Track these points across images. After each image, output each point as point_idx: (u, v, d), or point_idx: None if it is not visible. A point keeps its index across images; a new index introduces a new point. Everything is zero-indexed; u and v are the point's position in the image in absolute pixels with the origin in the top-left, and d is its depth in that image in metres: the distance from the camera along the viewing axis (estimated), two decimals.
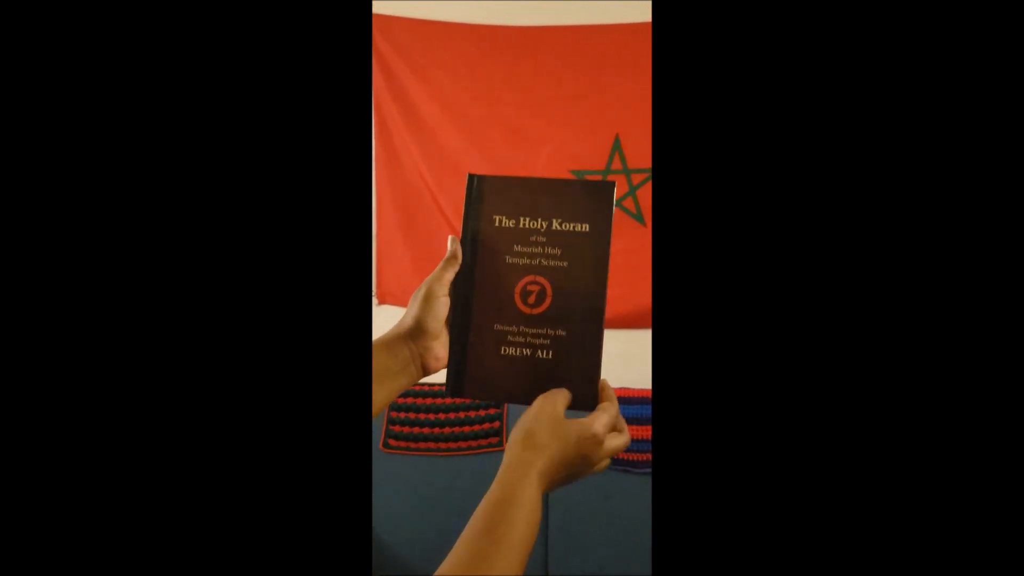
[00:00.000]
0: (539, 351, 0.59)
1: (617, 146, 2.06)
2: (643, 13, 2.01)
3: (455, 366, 0.61)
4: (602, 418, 0.55)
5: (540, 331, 0.59)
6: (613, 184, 0.60)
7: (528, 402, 0.58)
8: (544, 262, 0.60)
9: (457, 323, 0.61)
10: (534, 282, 0.60)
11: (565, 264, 0.59)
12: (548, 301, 0.59)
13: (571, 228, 0.60)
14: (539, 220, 0.60)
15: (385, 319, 2.26)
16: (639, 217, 2.04)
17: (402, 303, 2.26)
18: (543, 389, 0.58)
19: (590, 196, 0.60)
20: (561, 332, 0.59)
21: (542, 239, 0.60)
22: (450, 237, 0.62)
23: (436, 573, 0.46)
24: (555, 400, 0.56)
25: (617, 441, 0.56)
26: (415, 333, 0.58)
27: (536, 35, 2.10)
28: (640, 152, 2.04)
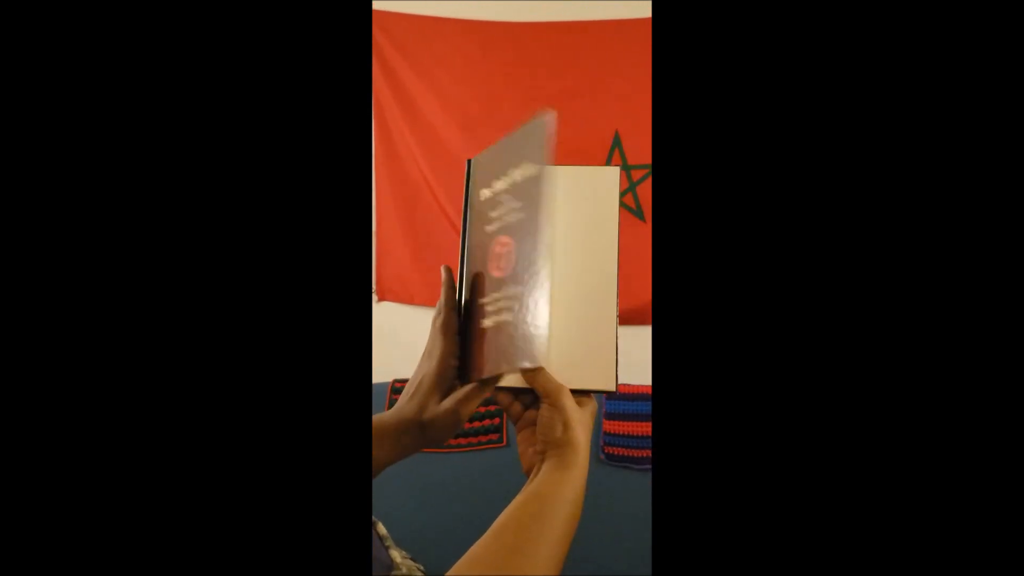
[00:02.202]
0: (503, 313, 0.51)
1: (617, 142, 2.07)
2: (643, 9, 2.01)
3: (463, 364, 0.55)
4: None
5: (505, 293, 0.51)
6: (544, 116, 0.50)
7: (495, 373, 0.51)
8: (509, 218, 0.53)
9: (462, 318, 0.56)
10: (503, 243, 0.53)
11: (524, 215, 0.51)
12: (514, 260, 0.51)
13: (528, 174, 0.51)
14: (503, 178, 0.54)
15: (385, 316, 2.27)
16: (639, 213, 2.04)
17: (401, 299, 2.27)
18: (503, 356, 0.50)
19: (533, 134, 0.52)
20: (519, 288, 0.50)
21: (507, 196, 0.53)
22: (444, 268, 0.57)
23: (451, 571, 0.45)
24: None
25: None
26: (420, 425, 0.54)
27: (535, 31, 2.10)
28: (640, 148, 2.05)
